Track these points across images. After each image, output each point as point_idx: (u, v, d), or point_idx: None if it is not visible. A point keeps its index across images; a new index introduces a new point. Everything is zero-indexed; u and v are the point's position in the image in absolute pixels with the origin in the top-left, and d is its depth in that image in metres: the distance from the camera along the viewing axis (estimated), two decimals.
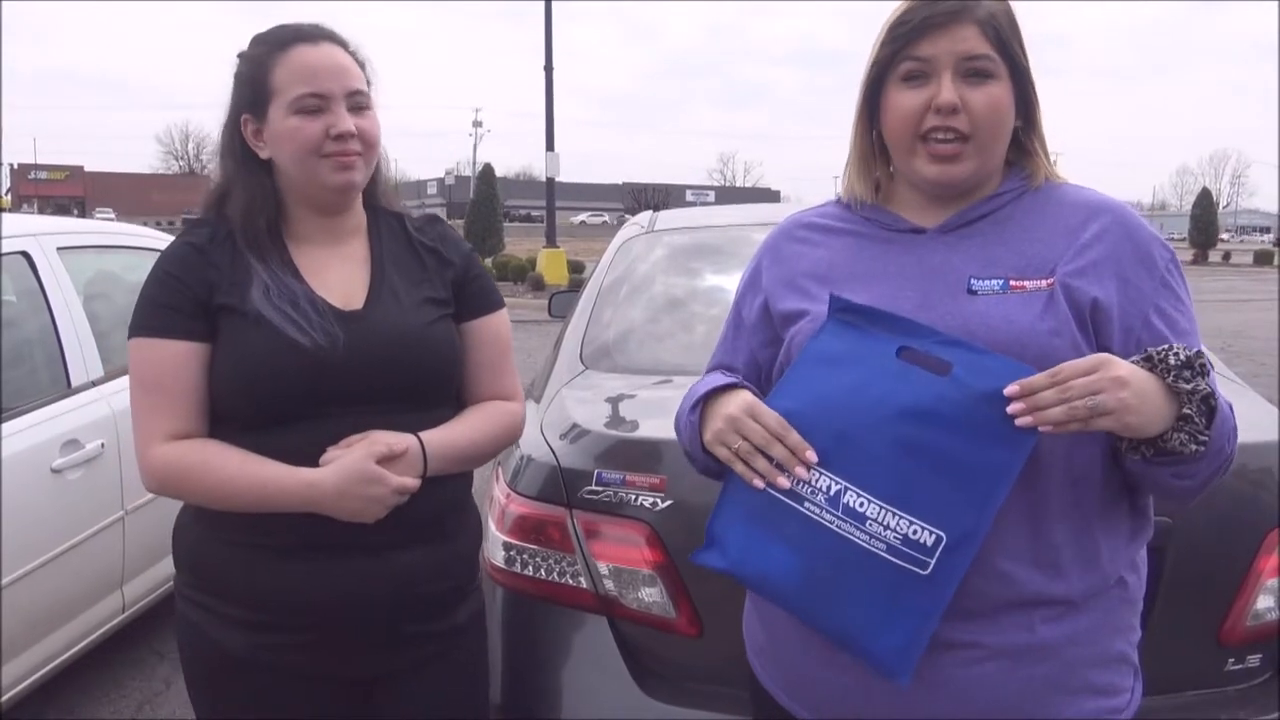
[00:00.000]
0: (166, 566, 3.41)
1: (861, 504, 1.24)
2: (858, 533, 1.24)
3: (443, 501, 1.62)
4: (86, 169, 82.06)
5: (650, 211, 3.52)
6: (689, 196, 76.17)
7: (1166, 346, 1.21)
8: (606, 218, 73.44)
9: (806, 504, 1.27)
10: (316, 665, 1.59)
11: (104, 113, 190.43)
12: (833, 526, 1.25)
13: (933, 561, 1.21)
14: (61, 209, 62.91)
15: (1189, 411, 1.19)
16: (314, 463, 1.50)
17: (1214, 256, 44.57)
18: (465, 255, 1.74)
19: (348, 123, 1.55)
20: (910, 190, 1.42)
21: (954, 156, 1.32)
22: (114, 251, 3.84)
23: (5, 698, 2.78)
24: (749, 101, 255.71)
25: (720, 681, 1.89)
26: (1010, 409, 1.18)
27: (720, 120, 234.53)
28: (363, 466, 1.49)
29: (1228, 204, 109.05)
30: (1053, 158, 1.41)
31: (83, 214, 53.07)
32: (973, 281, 1.33)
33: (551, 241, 23.56)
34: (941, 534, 1.21)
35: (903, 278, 1.37)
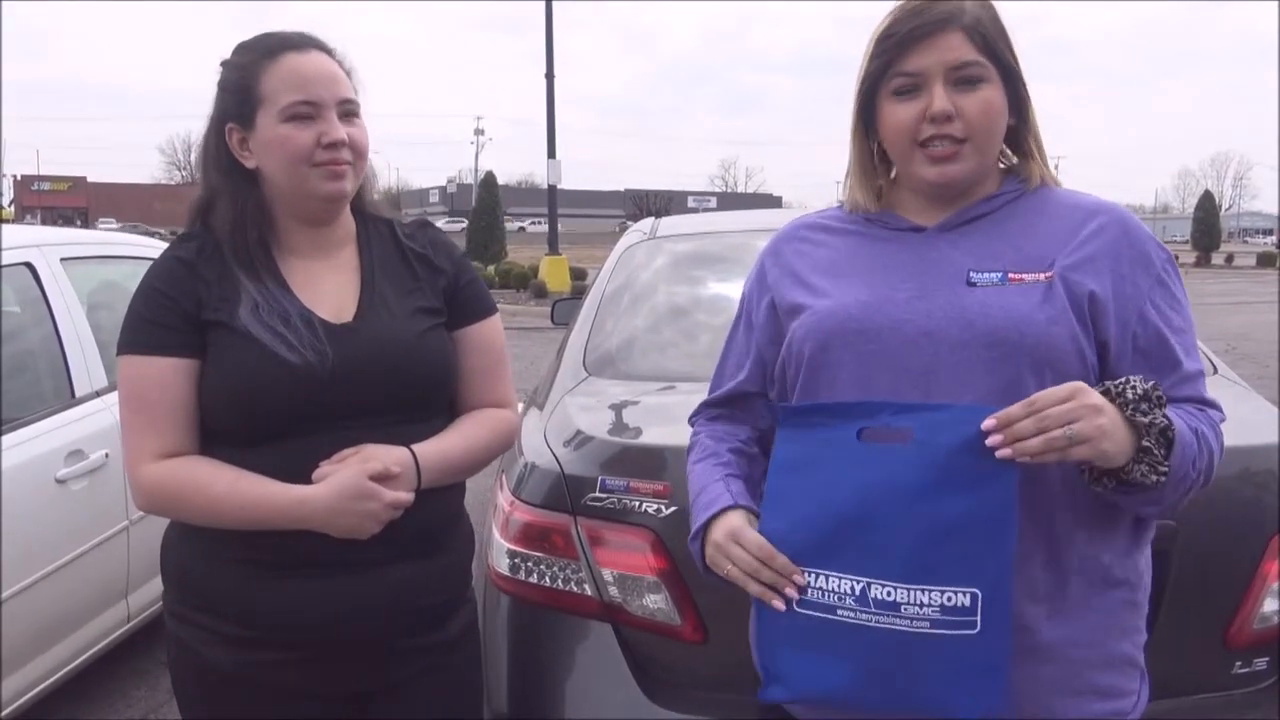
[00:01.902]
0: None
1: (888, 593, 1.22)
2: (897, 620, 1.22)
3: (435, 514, 1.60)
4: (89, 180, 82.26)
5: (653, 218, 3.52)
6: (691, 203, 76.17)
7: (1124, 380, 1.22)
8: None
9: (839, 611, 1.26)
10: (309, 682, 1.57)
11: (106, 123, 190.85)
12: (872, 623, 1.24)
13: (979, 619, 1.20)
14: (65, 220, 63.08)
15: (1148, 443, 1.20)
16: (307, 478, 1.49)
17: (1217, 259, 44.49)
18: (456, 261, 1.71)
19: (340, 131, 1.54)
20: (911, 194, 1.44)
21: (951, 157, 1.35)
22: (117, 261, 3.84)
23: (10, 709, 2.78)
24: (749, 108, 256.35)
25: (726, 688, 1.88)
26: (989, 440, 1.19)
27: (720, 126, 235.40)
28: (356, 483, 1.47)
29: (1230, 206, 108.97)
30: (1055, 161, 1.43)
31: (86, 224, 53.19)
32: (971, 274, 1.35)
33: (554, 249, 23.56)
34: (975, 590, 1.20)
35: (901, 271, 1.39)
